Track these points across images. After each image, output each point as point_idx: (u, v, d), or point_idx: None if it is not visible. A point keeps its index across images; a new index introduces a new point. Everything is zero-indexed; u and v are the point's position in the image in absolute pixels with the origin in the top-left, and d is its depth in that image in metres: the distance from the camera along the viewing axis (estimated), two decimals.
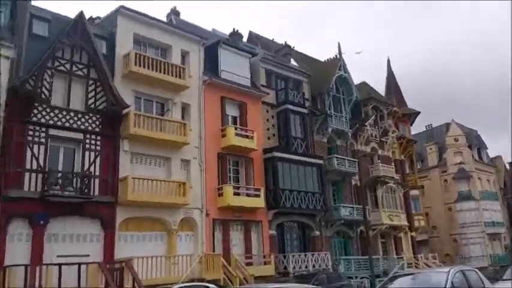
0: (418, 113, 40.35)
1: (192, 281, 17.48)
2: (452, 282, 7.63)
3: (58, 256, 15.78)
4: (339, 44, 31.77)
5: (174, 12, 27.98)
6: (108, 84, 18.05)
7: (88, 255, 16.49)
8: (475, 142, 49.98)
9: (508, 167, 57.84)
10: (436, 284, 7.69)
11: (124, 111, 18.43)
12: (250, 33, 34.35)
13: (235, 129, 23.37)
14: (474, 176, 46.84)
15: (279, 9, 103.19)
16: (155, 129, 19.16)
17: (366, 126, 32.85)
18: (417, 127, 63.92)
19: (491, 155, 54.90)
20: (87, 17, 19.24)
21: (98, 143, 17.81)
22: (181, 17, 28.31)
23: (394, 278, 9.14)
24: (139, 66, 19.25)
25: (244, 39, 33.03)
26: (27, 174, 15.58)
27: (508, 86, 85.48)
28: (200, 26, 28.76)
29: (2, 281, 13.85)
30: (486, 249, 44.51)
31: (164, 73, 20.15)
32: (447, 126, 50.36)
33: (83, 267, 15.06)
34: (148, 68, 19.59)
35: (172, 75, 20.45)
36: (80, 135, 17.38)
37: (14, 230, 15.21)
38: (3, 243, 14.71)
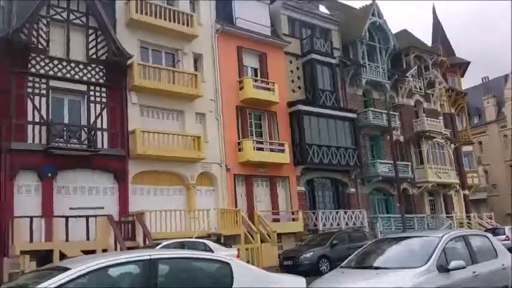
0: (468, 62, 37.38)
1: (209, 236, 17.08)
2: (444, 251, 6.03)
3: (70, 208, 15.89)
4: None
5: None
6: (109, 33, 17.70)
7: (102, 208, 16.53)
8: None
9: None
10: (418, 254, 6.12)
11: (129, 62, 18.07)
12: None
13: (255, 81, 22.53)
14: None
15: None
16: (163, 80, 18.68)
17: (408, 77, 30.80)
18: (474, 79, 60.09)
19: None
20: None
21: (103, 95, 17.62)
22: None
23: (377, 242, 7.64)
24: (142, 13, 18.75)
25: None
26: (30, 127, 15.63)
27: None
28: None
29: (10, 233, 14.09)
30: None
31: (170, 21, 19.54)
32: (506, 77, 46.65)
33: (92, 220, 15.03)
34: (151, 16, 19.05)
35: (179, 23, 19.81)
36: (83, 87, 17.22)
37: (21, 182, 15.37)
38: (10, 195, 14.87)
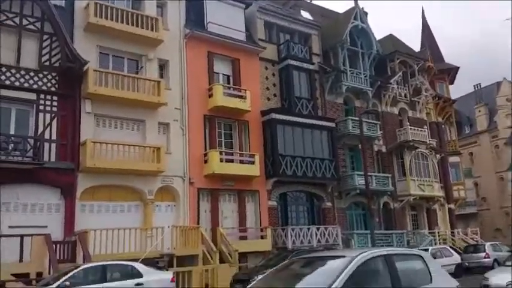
0: (457, 68, 36.69)
1: (162, 256, 16.28)
2: (353, 275, 5.07)
3: (10, 227, 15.03)
4: None
5: None
6: (64, 38, 16.87)
7: (46, 226, 15.62)
8: None
9: None
10: (322, 279, 5.15)
11: (85, 69, 17.26)
12: None
13: (226, 88, 21.76)
14: None
15: None
16: (122, 87, 17.85)
17: (391, 83, 30.05)
18: (465, 88, 59.49)
19: None
20: None
21: (55, 103, 16.79)
22: None
23: (289, 263, 6.57)
24: (101, 17, 17.92)
25: None
26: None
27: None
28: None
29: None
30: None
31: (132, 25, 18.74)
32: (498, 85, 46.02)
33: (27, 239, 14.13)
34: (112, 20, 18.23)
35: (142, 28, 19.01)
36: (32, 96, 16.40)
37: None
38: None
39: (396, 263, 5.78)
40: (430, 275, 6.09)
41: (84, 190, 16.84)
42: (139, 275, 11.71)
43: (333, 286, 4.82)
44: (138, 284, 11.47)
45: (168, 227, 17.48)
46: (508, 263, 9.70)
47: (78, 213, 16.51)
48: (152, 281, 11.72)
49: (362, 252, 5.54)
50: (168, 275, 12.68)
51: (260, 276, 14.50)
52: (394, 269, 5.67)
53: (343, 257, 5.52)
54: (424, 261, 6.27)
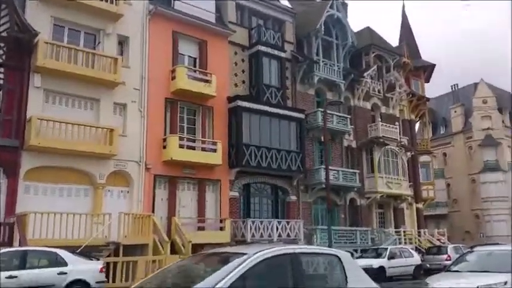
0: (433, 66, 37.07)
1: (107, 244, 15.90)
2: (243, 278, 4.60)
3: None
4: None
5: None
6: (13, 6, 16.16)
7: None
8: (506, 105, 46.39)
9: None
10: (210, 278, 4.62)
11: (36, 40, 16.56)
12: None
13: (193, 71, 21.35)
14: (503, 144, 43.67)
15: None
16: (75, 62, 17.24)
17: (365, 77, 30.10)
18: (442, 89, 60.37)
19: None
20: None
21: (1, 76, 16.11)
22: None
23: (188, 259, 6.31)
24: None
25: None
26: None
27: None
28: None
29: None
30: None
31: None
32: (475, 86, 46.83)
33: None
34: None
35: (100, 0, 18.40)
36: None
37: None
38: None
39: (304, 264, 5.35)
40: (346, 277, 5.62)
41: (28, 170, 16.23)
42: (64, 264, 11.32)
43: (217, 287, 4.38)
44: (61, 273, 11.08)
45: (120, 213, 17.02)
46: (453, 268, 9.62)
47: (21, 195, 15.92)
48: (78, 270, 11.37)
49: (261, 250, 5.07)
50: (97, 265, 12.31)
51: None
52: (299, 270, 5.20)
53: (244, 254, 5.00)
54: (341, 261, 5.73)
